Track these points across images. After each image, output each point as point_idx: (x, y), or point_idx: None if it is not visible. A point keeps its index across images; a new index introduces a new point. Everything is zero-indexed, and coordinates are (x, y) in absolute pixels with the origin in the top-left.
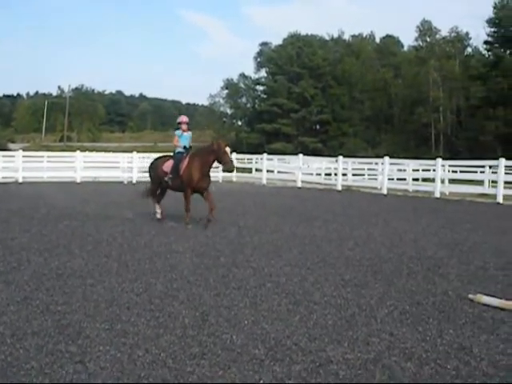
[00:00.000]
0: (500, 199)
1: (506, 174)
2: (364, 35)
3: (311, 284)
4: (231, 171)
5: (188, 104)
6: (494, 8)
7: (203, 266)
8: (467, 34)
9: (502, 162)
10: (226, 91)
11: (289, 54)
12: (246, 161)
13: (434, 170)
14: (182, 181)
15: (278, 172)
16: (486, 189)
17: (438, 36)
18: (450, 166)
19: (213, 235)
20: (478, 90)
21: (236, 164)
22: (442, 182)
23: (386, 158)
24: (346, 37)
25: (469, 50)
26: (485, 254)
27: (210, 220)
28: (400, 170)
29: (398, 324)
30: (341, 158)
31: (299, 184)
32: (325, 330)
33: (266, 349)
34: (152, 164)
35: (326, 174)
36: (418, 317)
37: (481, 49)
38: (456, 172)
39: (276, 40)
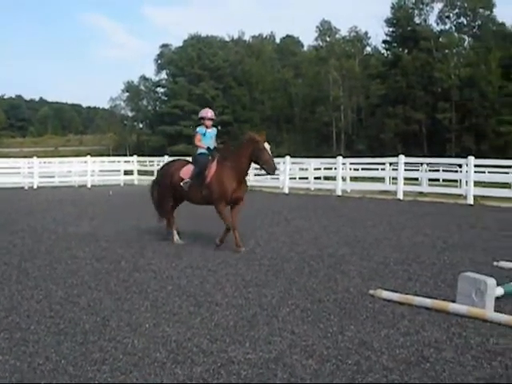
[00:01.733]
0: (400, 195)
1: (405, 170)
2: (264, 36)
3: (212, 285)
4: (273, 173)
5: (89, 107)
6: (392, 8)
7: (104, 270)
8: (366, 33)
9: (402, 158)
10: (127, 94)
11: (189, 56)
12: (147, 163)
13: (335, 169)
14: (210, 192)
15: None
16: (386, 186)
17: (337, 36)
18: (351, 163)
19: (114, 239)
20: (377, 88)
21: (139, 167)
22: (344, 179)
23: (287, 158)
24: (247, 37)
25: (368, 49)
26: (385, 250)
27: (222, 242)
28: (302, 169)
29: (299, 322)
30: None
31: None
32: (226, 330)
33: (168, 352)
34: (163, 170)
35: None
36: (320, 314)
37: (380, 48)
38: (357, 170)
39: (176, 42)
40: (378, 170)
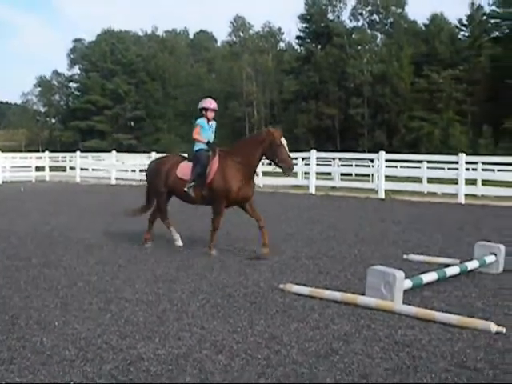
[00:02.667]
0: (312, 190)
1: (318, 165)
2: (178, 31)
3: (123, 281)
4: (290, 173)
5: (0, 103)
6: (306, 4)
7: (14, 267)
8: (280, 29)
9: (314, 153)
10: (39, 89)
11: (102, 51)
12: (59, 159)
13: None
14: (212, 191)
15: (93, 170)
16: (299, 180)
17: (251, 31)
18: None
19: (25, 236)
20: (290, 84)
21: (51, 163)
22: (256, 174)
23: None
24: (160, 32)
25: (281, 44)
26: (296, 244)
27: (266, 253)
28: None
29: (209, 317)
30: (154, 153)
31: (113, 181)
32: (136, 326)
33: (77, 349)
34: (152, 169)
35: (140, 171)
36: (230, 309)
37: (293, 44)
38: (270, 164)
39: (90, 36)
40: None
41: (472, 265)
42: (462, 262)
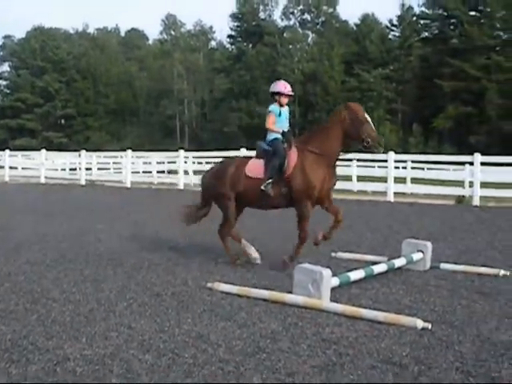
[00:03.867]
0: None
1: None
2: (109, 28)
3: (50, 281)
4: (379, 151)
5: None
6: (237, 3)
7: None
8: (211, 27)
9: (243, 151)
10: None
11: (32, 48)
12: None
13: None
14: (290, 189)
15: (23, 168)
16: None
17: (182, 29)
18: (194, 157)
19: None
20: (221, 82)
21: None
22: (187, 173)
23: (129, 151)
24: (91, 30)
25: (213, 43)
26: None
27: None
28: (146, 163)
29: (136, 316)
30: (84, 152)
31: (43, 180)
32: (63, 327)
33: (2, 351)
34: (213, 173)
35: (70, 169)
36: (157, 308)
37: (225, 42)
38: (201, 163)
39: (19, 33)
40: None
41: (399, 262)
42: (389, 259)
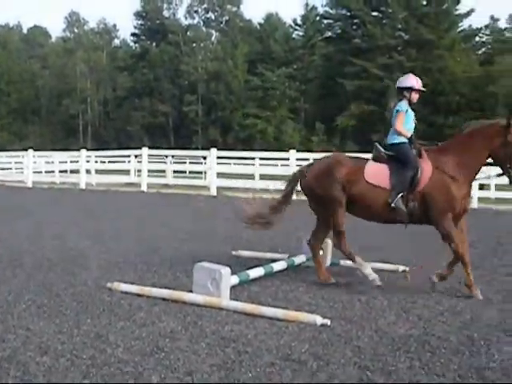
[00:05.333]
0: (144, 188)
1: (151, 162)
2: (11, 25)
3: None
4: None
5: None
6: (141, 1)
7: None
8: (115, 26)
9: (145, 151)
10: None
11: None
12: None
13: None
14: (426, 204)
15: None
16: (131, 178)
17: (85, 27)
18: (96, 156)
19: None
20: (125, 80)
21: None
22: (89, 172)
23: (30, 151)
24: None
25: (116, 41)
26: (126, 243)
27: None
28: (48, 163)
29: (35, 318)
30: None
31: None
32: None
33: None
34: (317, 173)
35: None
36: (56, 309)
37: (128, 41)
38: (104, 162)
39: None
40: (124, 162)
41: (299, 259)
42: (289, 257)
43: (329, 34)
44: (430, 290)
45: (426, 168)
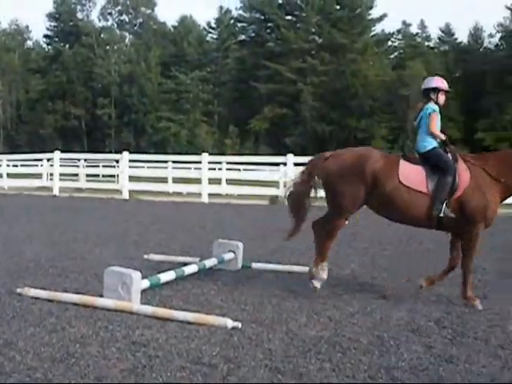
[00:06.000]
0: (56, 191)
1: (63, 166)
2: None
3: None
4: None
5: None
6: (54, 3)
7: None
8: (27, 27)
9: (57, 154)
10: None
11: None
12: None
13: None
14: (460, 210)
15: None
16: (43, 182)
17: None
18: (8, 160)
19: None
20: (37, 83)
21: None
22: (0, 176)
23: None
24: None
25: (29, 43)
26: (37, 247)
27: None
28: None
29: None
30: None
31: None
32: None
33: None
34: (341, 164)
35: None
36: None
37: (41, 42)
38: (17, 166)
39: None
40: (37, 166)
41: (210, 263)
42: (201, 260)
43: (243, 37)
44: (342, 292)
45: (463, 175)
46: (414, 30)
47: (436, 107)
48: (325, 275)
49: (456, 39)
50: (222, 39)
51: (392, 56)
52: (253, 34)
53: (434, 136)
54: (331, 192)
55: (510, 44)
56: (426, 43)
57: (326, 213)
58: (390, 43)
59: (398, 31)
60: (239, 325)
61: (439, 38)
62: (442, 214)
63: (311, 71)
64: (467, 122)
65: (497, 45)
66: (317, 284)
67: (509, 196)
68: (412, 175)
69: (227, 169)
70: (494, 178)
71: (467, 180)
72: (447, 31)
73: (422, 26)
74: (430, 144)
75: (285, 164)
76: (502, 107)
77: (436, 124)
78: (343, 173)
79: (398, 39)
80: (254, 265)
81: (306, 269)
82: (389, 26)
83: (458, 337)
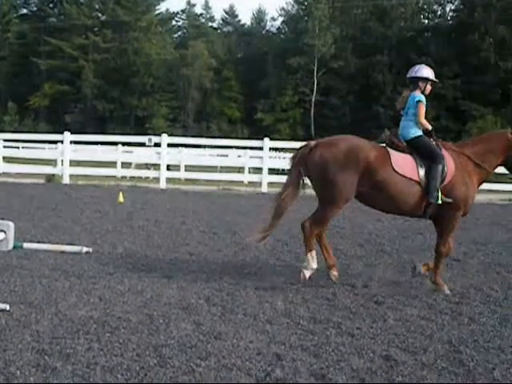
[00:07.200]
0: None
1: None
2: None
3: None
4: None
5: None
6: None
7: None
8: None
9: None
10: None
11: None
12: None
13: None
14: (450, 197)
15: None
16: None
17: None
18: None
19: None
20: None
21: None
22: None
23: None
24: None
25: None
26: None
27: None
28: None
29: None
30: None
31: None
32: None
33: None
34: (333, 154)
35: None
36: None
37: None
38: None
39: None
40: None
41: None
42: None
43: (24, 11)
44: (113, 271)
45: (450, 163)
46: (198, 10)
47: (423, 97)
48: (314, 264)
49: (239, 21)
50: (2, 12)
51: (175, 35)
52: (35, 8)
53: (421, 125)
54: (326, 182)
55: (291, 28)
56: (210, 24)
57: (318, 207)
58: (174, 22)
59: (183, 11)
60: (7, 307)
61: (223, 20)
62: (439, 201)
63: (93, 48)
64: (247, 103)
65: (278, 28)
66: (307, 273)
67: (483, 181)
68: (404, 164)
69: (4, 146)
70: (478, 165)
71: (453, 168)
72: (231, 13)
73: (207, 6)
74: (416, 132)
75: (62, 142)
76: (281, 89)
77: (423, 114)
78: (339, 162)
79: (182, 19)
80: (26, 245)
81: (79, 248)
82: (173, 5)
83: (227, 313)
